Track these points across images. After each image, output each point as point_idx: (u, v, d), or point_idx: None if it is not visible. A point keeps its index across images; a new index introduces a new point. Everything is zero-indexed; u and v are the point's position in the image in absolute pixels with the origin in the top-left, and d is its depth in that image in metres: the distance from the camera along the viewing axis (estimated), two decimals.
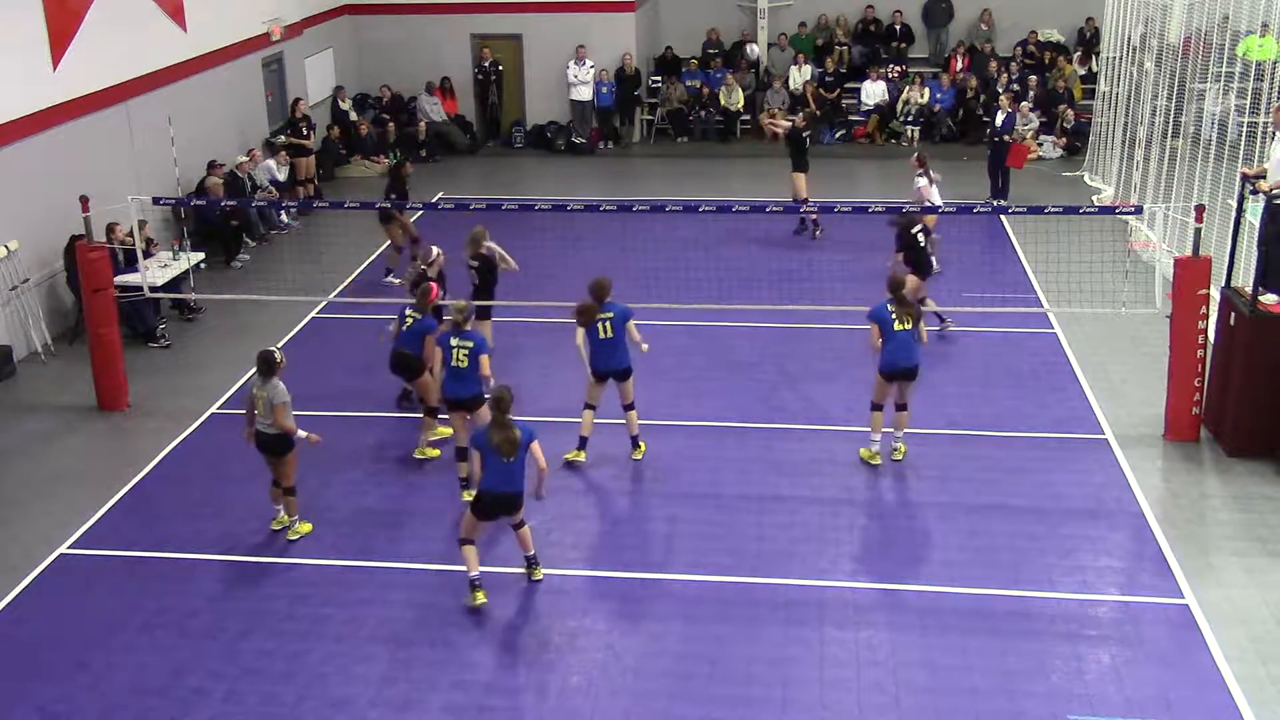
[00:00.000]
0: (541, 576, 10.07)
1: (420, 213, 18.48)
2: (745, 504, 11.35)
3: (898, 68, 25.87)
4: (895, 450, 12.02)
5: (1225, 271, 13.08)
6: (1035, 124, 23.21)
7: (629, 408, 12.08)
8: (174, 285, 15.66)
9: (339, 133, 23.57)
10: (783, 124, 19.47)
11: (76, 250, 13.63)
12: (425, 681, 8.98)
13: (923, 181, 16.95)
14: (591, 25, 25.08)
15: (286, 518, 10.94)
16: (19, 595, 10.15)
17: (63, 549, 10.81)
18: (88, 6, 16.12)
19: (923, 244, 14.48)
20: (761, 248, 18.30)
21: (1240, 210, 12.71)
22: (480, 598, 9.69)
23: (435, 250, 13.83)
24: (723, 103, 25.69)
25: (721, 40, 27.01)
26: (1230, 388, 12.04)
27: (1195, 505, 11.24)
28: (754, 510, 11.23)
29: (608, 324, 11.65)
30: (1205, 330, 12.26)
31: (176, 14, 18.60)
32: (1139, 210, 14.88)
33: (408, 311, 12.19)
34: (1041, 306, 15.65)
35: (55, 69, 15.53)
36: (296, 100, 21.90)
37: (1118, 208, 16.77)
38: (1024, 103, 22.86)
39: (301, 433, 10.48)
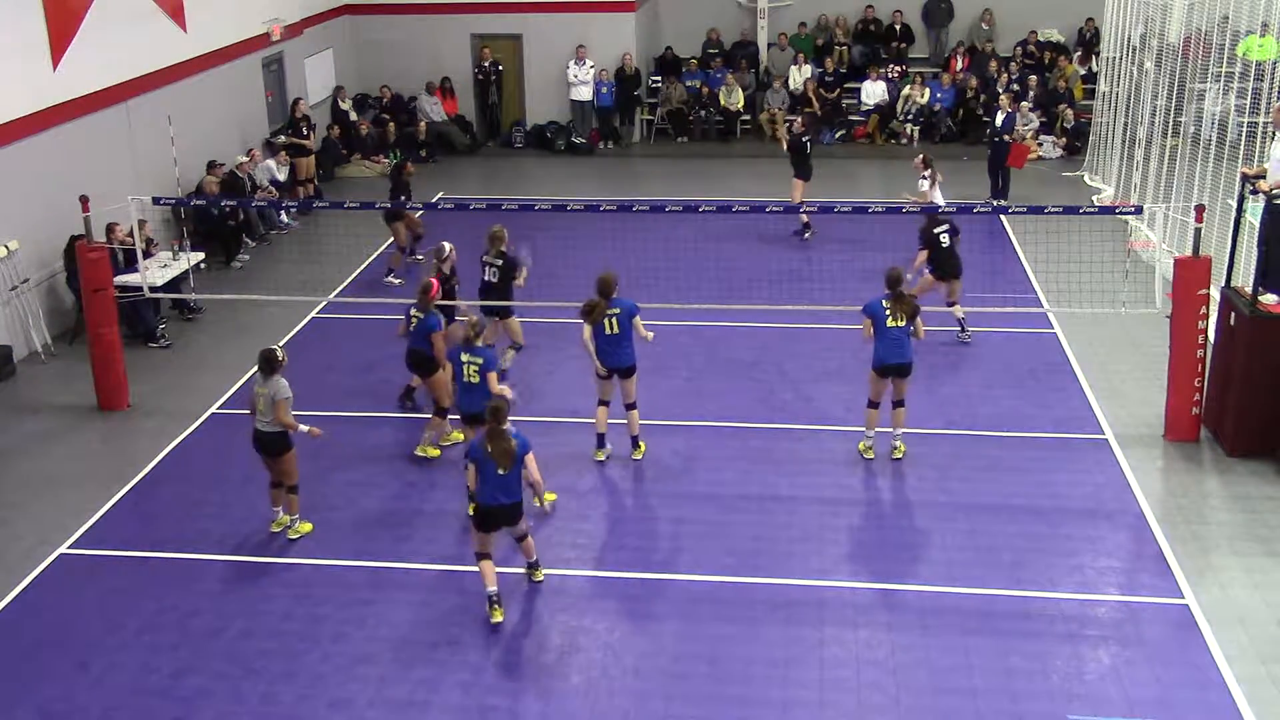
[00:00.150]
0: (543, 578, 10.06)
1: (420, 213, 18.47)
2: (745, 504, 11.35)
3: (898, 68, 25.87)
4: (895, 449, 12.03)
5: (1225, 271, 13.08)
6: (1035, 124, 23.21)
7: (630, 407, 12.08)
8: (174, 285, 15.67)
9: (339, 133, 23.57)
10: (783, 136, 19.44)
11: (76, 250, 13.63)
12: (425, 681, 8.98)
13: (924, 185, 16.97)
14: (591, 25, 25.08)
15: (287, 518, 10.94)
16: (19, 595, 10.16)
17: (63, 549, 10.81)
18: (88, 6, 16.12)
19: (947, 244, 14.50)
20: (761, 248, 18.30)
21: (1240, 210, 12.71)
22: (498, 615, 9.58)
23: (448, 246, 13.85)
24: (723, 103, 25.69)
25: (721, 40, 27.01)
26: (1230, 388, 12.04)
27: (1195, 505, 11.24)
28: (754, 510, 11.23)
29: (614, 320, 11.66)
30: (1205, 330, 12.26)
31: (176, 14, 18.60)
32: (1139, 210, 14.88)
33: (412, 312, 12.21)
34: (1041, 306, 15.65)
35: (55, 69, 15.53)
36: (296, 100, 21.91)
37: (1118, 208, 16.77)
38: (1024, 103, 22.86)
39: (303, 427, 10.48)
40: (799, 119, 19.60)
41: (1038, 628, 9.49)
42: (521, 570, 10.11)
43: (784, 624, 9.56)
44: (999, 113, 20.10)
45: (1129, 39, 20.10)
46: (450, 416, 12.43)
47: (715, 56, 26.68)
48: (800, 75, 25.65)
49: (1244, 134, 17.13)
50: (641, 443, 12.23)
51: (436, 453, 12.30)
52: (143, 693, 8.91)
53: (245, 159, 19.54)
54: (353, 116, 24.23)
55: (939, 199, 16.90)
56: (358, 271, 17.75)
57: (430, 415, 12.43)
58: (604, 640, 9.46)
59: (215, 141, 19.38)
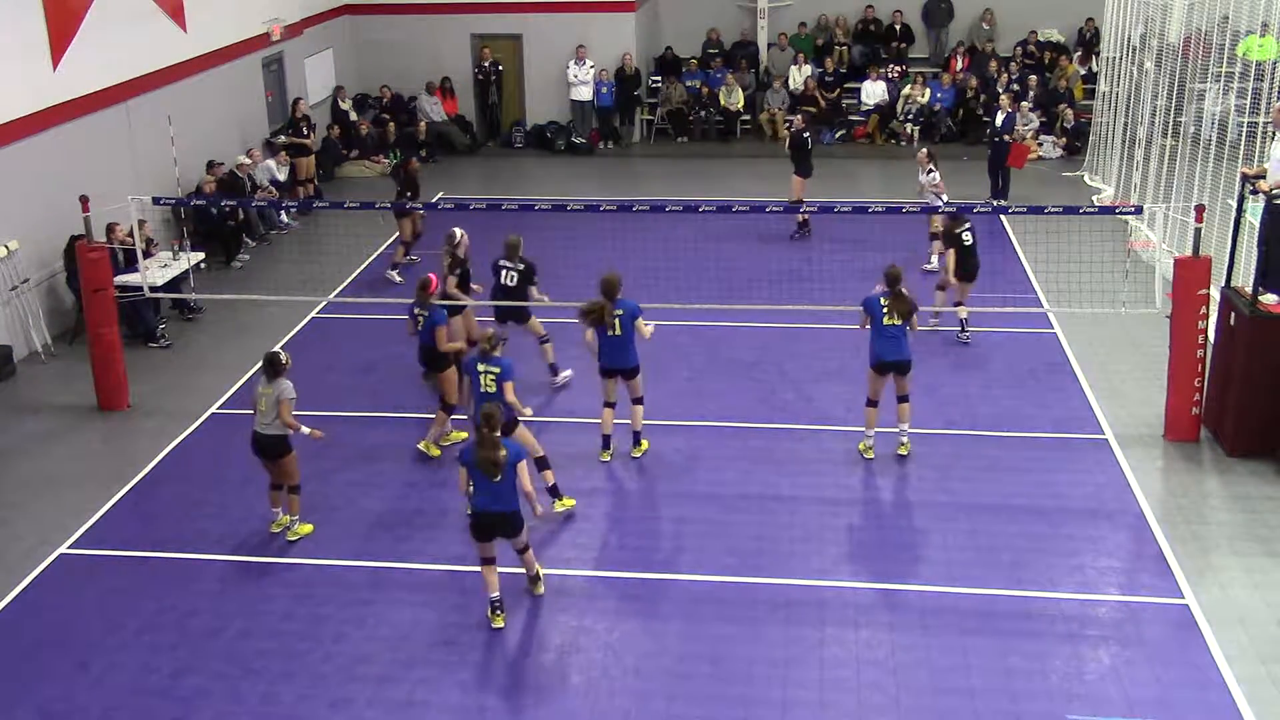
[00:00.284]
0: (543, 591, 9.94)
1: (420, 212, 18.46)
2: (745, 504, 11.35)
3: (898, 68, 25.86)
4: (900, 444, 12.02)
5: (1225, 271, 13.08)
6: (1035, 124, 23.20)
7: (636, 402, 12.13)
8: (174, 285, 15.66)
9: (339, 132, 23.56)
10: (785, 135, 19.44)
11: (76, 250, 13.63)
12: (425, 681, 8.98)
13: (936, 175, 16.99)
14: (591, 25, 25.08)
15: (287, 518, 10.94)
16: (19, 595, 10.16)
17: (63, 549, 10.81)
18: (88, 6, 16.12)
19: (970, 242, 14.52)
20: (761, 248, 18.29)
21: (1240, 210, 12.71)
22: (499, 621, 9.55)
23: (459, 232, 13.90)
24: (723, 103, 25.69)
25: (721, 40, 27.01)
26: (1230, 388, 12.04)
27: (1195, 505, 11.24)
28: (754, 510, 11.23)
29: (617, 321, 11.69)
30: (1205, 330, 12.26)
31: (176, 14, 18.60)
32: (1139, 210, 14.88)
33: (416, 310, 12.21)
34: (1041, 306, 15.65)
35: (55, 69, 15.53)
36: (296, 100, 21.91)
37: (1118, 208, 16.77)
38: (1024, 103, 22.86)
39: (305, 429, 10.48)
40: (799, 117, 19.60)
41: (1038, 628, 9.49)
42: (519, 570, 10.02)
43: (785, 624, 9.56)
44: (999, 113, 20.09)
45: (1129, 39, 20.09)
46: (455, 417, 12.46)
47: (715, 56, 26.67)
48: (800, 75, 25.65)
49: (1244, 134, 17.13)
50: (644, 440, 12.25)
51: (437, 452, 12.30)
52: (142, 693, 8.91)
53: (247, 160, 19.53)
54: (353, 116, 24.22)
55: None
56: (358, 271, 17.75)
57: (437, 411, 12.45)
58: (604, 640, 9.46)
59: (215, 141, 19.38)
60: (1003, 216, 18.64)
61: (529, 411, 11.35)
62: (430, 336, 12.15)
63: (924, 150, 17.56)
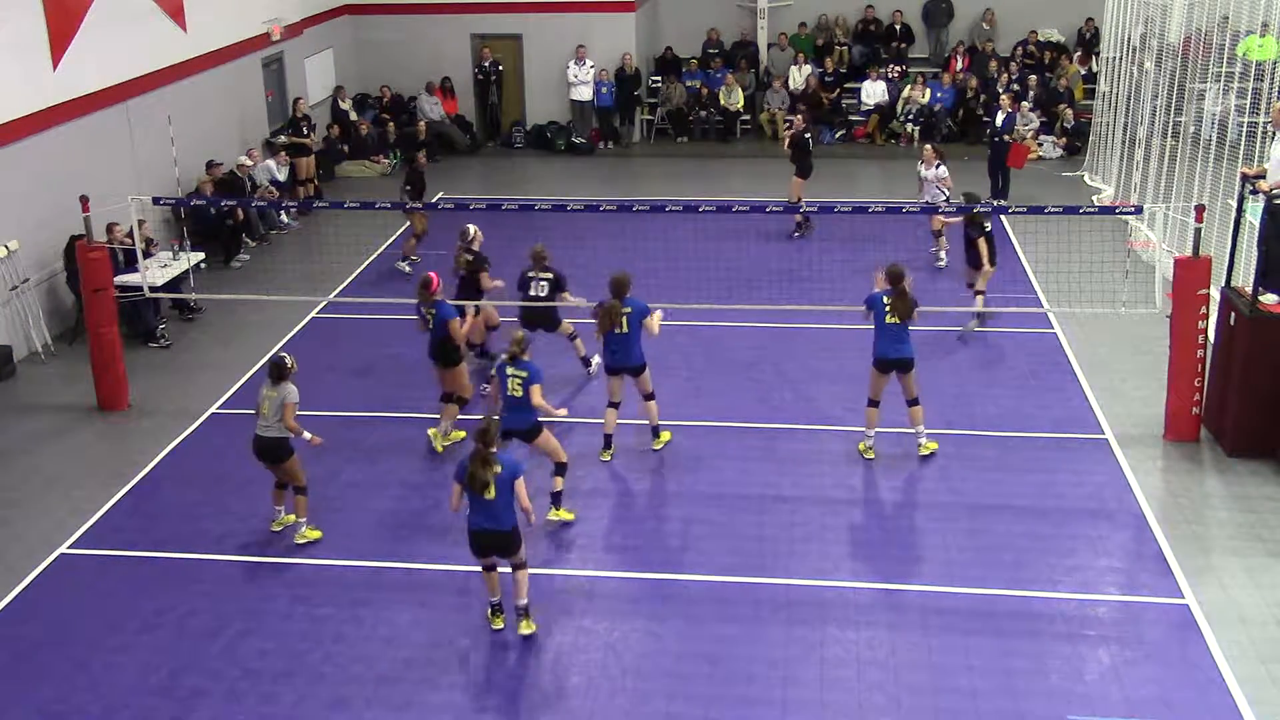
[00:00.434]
0: (532, 631, 9.40)
1: (419, 212, 18.46)
2: (745, 504, 11.35)
3: (898, 68, 25.87)
4: (920, 446, 12.02)
5: (1225, 271, 13.07)
6: (1035, 124, 23.20)
7: (648, 398, 12.18)
8: (174, 285, 15.66)
9: (339, 132, 23.57)
10: (785, 137, 19.38)
11: (76, 250, 13.63)
12: (424, 682, 8.98)
13: (944, 170, 17.02)
14: (591, 25, 25.08)
15: (289, 518, 10.93)
16: (19, 595, 10.16)
17: (63, 549, 10.81)
18: (88, 6, 16.12)
19: (988, 228, 14.71)
20: (761, 248, 18.30)
21: (1240, 210, 12.70)
22: (498, 622, 9.50)
23: (472, 229, 13.94)
24: (723, 103, 25.69)
25: (721, 40, 27.01)
26: (1230, 388, 12.04)
27: (1195, 505, 11.24)
28: (754, 510, 11.23)
29: (624, 320, 11.74)
30: (1205, 330, 12.25)
31: (176, 14, 18.60)
32: (1139, 210, 14.87)
33: (423, 310, 12.21)
34: (1041, 306, 15.65)
35: (55, 69, 15.53)
36: (296, 100, 21.91)
37: (1118, 208, 16.76)
38: (1024, 103, 22.85)
39: (306, 434, 10.48)
40: (798, 118, 19.60)
41: (1038, 628, 9.49)
42: (532, 571, 9.77)
43: (785, 624, 9.56)
44: (999, 113, 20.09)
45: (1129, 39, 20.09)
46: (458, 417, 12.48)
47: (715, 56, 26.67)
48: (800, 75, 25.65)
49: (1244, 134, 17.14)
50: (663, 432, 12.31)
51: (440, 448, 12.29)
52: (142, 692, 8.91)
53: (247, 161, 19.52)
54: (353, 116, 24.22)
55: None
56: (358, 271, 17.75)
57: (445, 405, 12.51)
58: (604, 640, 9.46)
59: (215, 141, 19.38)
60: (1003, 216, 18.64)
61: (562, 412, 11.40)
62: (444, 331, 12.16)
63: (930, 146, 17.57)
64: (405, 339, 14.97)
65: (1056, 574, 10.15)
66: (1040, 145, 23.23)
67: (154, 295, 14.87)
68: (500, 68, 25.42)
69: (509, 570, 9.45)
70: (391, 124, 24.38)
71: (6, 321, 14.62)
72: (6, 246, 14.46)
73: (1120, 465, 11.90)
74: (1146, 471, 11.79)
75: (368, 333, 15.60)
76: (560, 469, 11.03)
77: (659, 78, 26.28)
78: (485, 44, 25.46)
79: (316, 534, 10.83)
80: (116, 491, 11.76)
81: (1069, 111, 24.03)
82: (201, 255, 16.91)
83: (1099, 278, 14.50)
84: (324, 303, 16.29)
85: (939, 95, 25.04)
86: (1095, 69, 23.95)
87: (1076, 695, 8.70)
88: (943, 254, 17.39)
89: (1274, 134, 13.90)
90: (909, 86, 25.13)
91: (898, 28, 26.74)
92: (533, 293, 13.45)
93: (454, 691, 8.87)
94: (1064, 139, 23.71)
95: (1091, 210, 16.85)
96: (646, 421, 12.37)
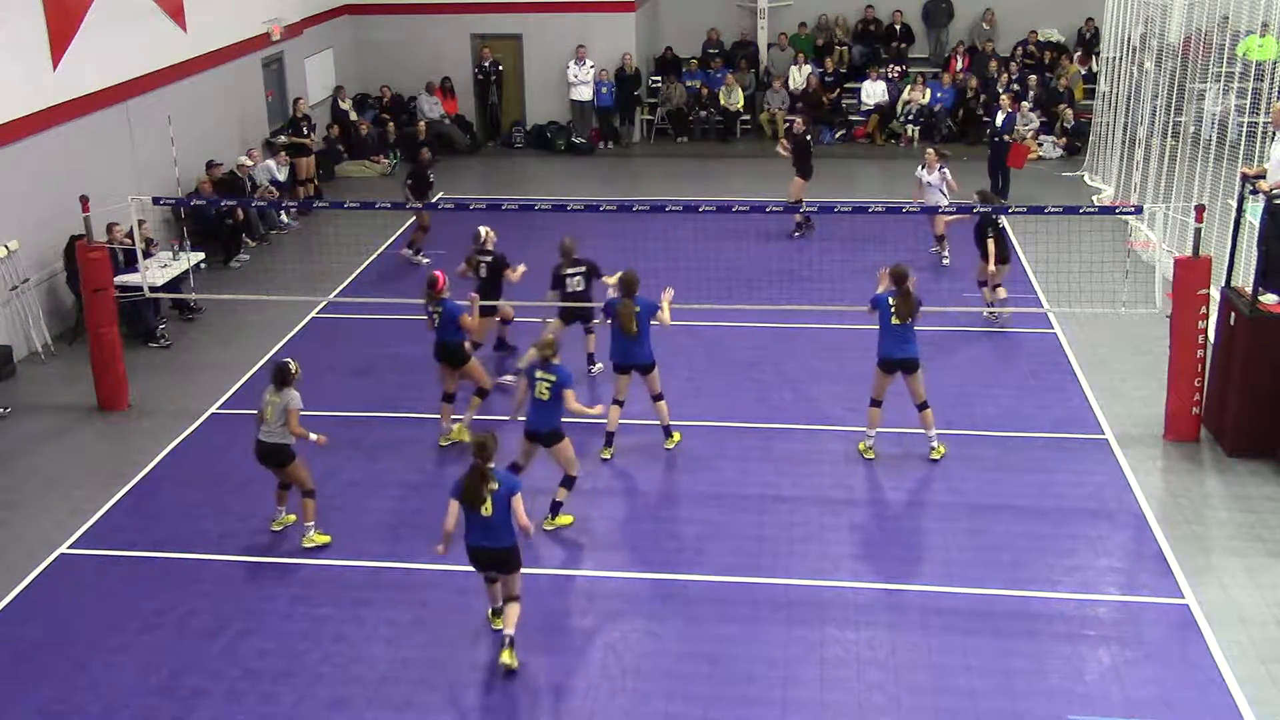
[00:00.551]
0: (515, 666, 8.97)
1: (419, 212, 18.47)
2: (745, 504, 11.35)
3: (898, 68, 25.87)
4: (933, 449, 12.00)
5: (1225, 271, 13.07)
6: (1035, 124, 23.20)
7: (657, 398, 12.20)
8: (174, 285, 15.67)
9: (339, 132, 23.57)
10: (785, 144, 19.31)
11: (76, 250, 13.64)
12: (425, 682, 8.98)
13: (948, 171, 17.05)
14: (591, 25, 25.08)
15: (291, 518, 10.92)
16: (19, 595, 10.16)
17: (63, 549, 10.81)
18: (88, 6, 16.12)
19: (1002, 226, 14.86)
20: (761, 248, 18.30)
21: (1240, 210, 12.70)
22: (499, 623, 9.33)
23: (484, 230, 14.01)
24: (723, 103, 25.69)
25: (721, 40, 27.01)
26: (1230, 388, 12.04)
27: (1195, 505, 11.24)
28: (754, 510, 11.23)
29: (634, 317, 11.83)
30: (1205, 330, 12.25)
31: (176, 14, 18.60)
32: (1139, 210, 14.88)
33: (430, 307, 12.20)
34: (1042, 306, 15.65)
35: (55, 69, 15.53)
36: (297, 100, 21.91)
37: (1118, 208, 16.76)
38: (1024, 103, 22.85)
39: (313, 435, 10.47)
40: (797, 119, 19.60)
41: (1038, 628, 9.49)
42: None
43: (785, 624, 9.56)
44: (999, 113, 20.09)
45: (1129, 39, 20.09)
46: (455, 417, 12.47)
47: (715, 56, 26.67)
48: (800, 75, 25.66)
49: (1244, 134, 17.14)
50: (675, 433, 12.34)
51: (466, 437, 12.38)
52: (142, 692, 8.91)
53: (248, 161, 19.53)
54: (353, 116, 24.23)
55: (942, 198, 16.93)
56: (358, 271, 17.75)
57: (474, 399, 12.60)
58: (604, 640, 9.46)
59: (215, 141, 19.38)
60: (1003, 216, 18.62)
61: (598, 409, 11.42)
62: (453, 330, 12.15)
63: (932, 149, 17.57)
64: (405, 339, 14.99)
65: (1056, 574, 10.15)
66: (1040, 145, 23.23)
67: (154, 295, 14.88)
68: (500, 68, 25.42)
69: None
70: (391, 124, 24.39)
71: (6, 321, 14.62)
72: (6, 246, 14.46)
73: (1120, 465, 11.90)
74: (1146, 471, 11.79)
75: (368, 333, 15.61)
76: (568, 481, 10.94)
77: (659, 78, 26.29)
78: (485, 44, 25.46)
79: (325, 539, 10.76)
80: (116, 491, 11.76)
81: (1069, 111, 24.03)
82: (201, 255, 16.91)
83: (1099, 278, 14.51)
84: (324, 303, 16.29)
85: (939, 95, 25.04)
86: (1095, 69, 23.95)
87: (1076, 695, 8.70)
88: (945, 254, 17.39)
89: (1274, 134, 13.90)
90: (909, 88, 25.13)
91: (898, 28, 26.75)
92: (570, 289, 13.47)
93: (454, 691, 8.87)
94: (1064, 139, 23.71)
95: (1091, 210, 16.85)
96: (646, 421, 12.35)
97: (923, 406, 11.91)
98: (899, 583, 10.11)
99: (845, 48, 26.66)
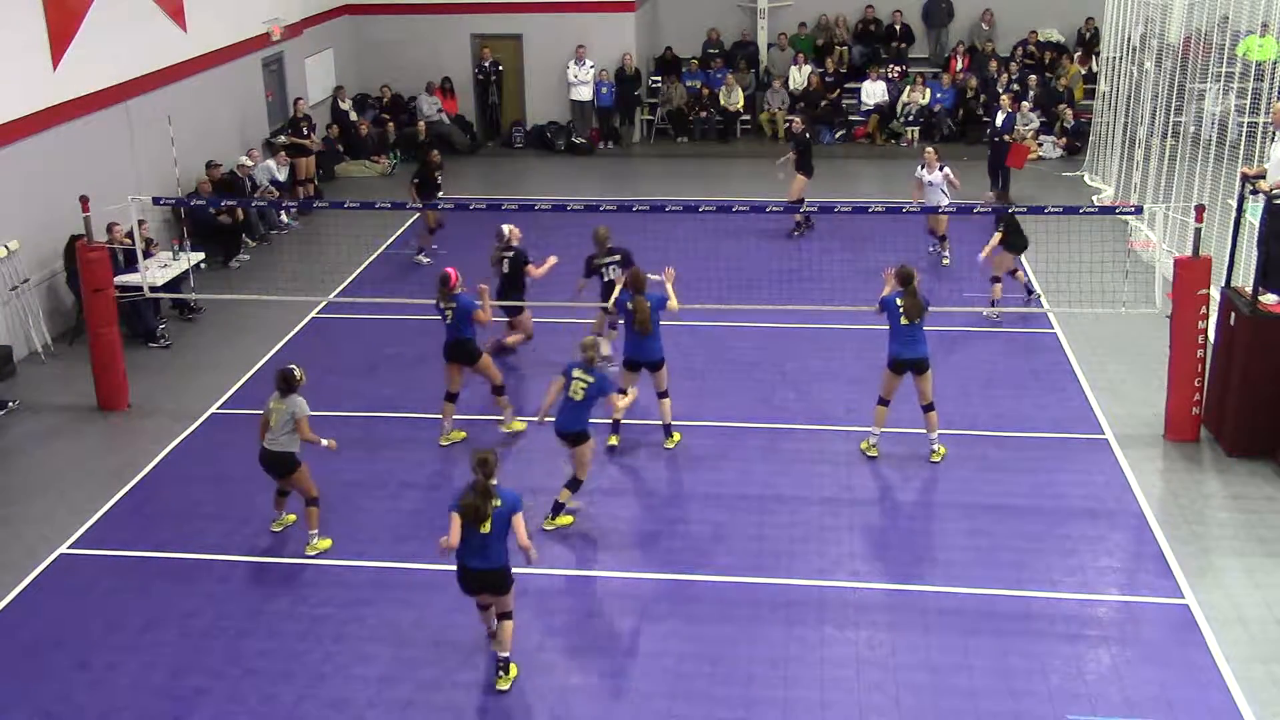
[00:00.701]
0: (508, 687, 8.87)
1: (419, 214, 18.45)
2: (745, 504, 11.35)
3: (898, 68, 25.86)
4: (934, 452, 12.00)
5: (1225, 271, 13.08)
6: (1035, 124, 23.19)
7: (662, 395, 12.25)
8: (174, 285, 15.66)
9: (338, 132, 23.56)
10: (790, 155, 19.21)
11: (76, 250, 13.63)
12: (425, 682, 8.98)
13: (949, 170, 17.06)
14: (591, 25, 25.07)
15: (291, 518, 10.92)
16: (19, 595, 10.16)
17: (63, 549, 10.81)
18: (88, 6, 16.12)
19: (1015, 218, 15.03)
20: (762, 247, 18.30)
21: (1240, 210, 12.71)
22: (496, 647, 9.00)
23: (507, 228, 14.15)
24: (723, 103, 25.69)
25: (721, 40, 27.01)
26: (1230, 388, 12.04)
27: (1195, 505, 11.24)
28: (754, 510, 11.23)
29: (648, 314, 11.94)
30: (1205, 330, 12.26)
31: (176, 14, 18.60)
32: (1139, 210, 14.88)
33: (442, 305, 12.17)
34: (1042, 306, 15.65)
35: (55, 69, 15.53)
36: (296, 100, 21.91)
37: (1118, 208, 16.78)
38: (1024, 103, 22.85)
39: (324, 441, 10.44)
40: (796, 119, 19.60)
41: (1038, 628, 9.49)
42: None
43: (785, 624, 9.56)
44: (999, 113, 20.09)
45: (1129, 39, 20.10)
46: (456, 416, 12.48)
47: (715, 56, 26.67)
48: (800, 75, 25.66)
49: (1244, 134, 17.14)
50: (675, 432, 12.37)
51: (522, 425, 12.50)
52: (142, 692, 8.91)
53: (248, 161, 19.52)
54: (353, 116, 24.22)
55: (942, 198, 16.93)
56: (358, 271, 17.75)
57: (498, 398, 12.68)
58: (604, 640, 9.46)
59: (215, 141, 19.38)
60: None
61: (630, 397, 11.56)
62: (467, 326, 12.14)
63: (931, 149, 17.57)
64: (405, 339, 15.01)
65: (1056, 574, 10.15)
66: (1040, 145, 23.23)
67: (154, 295, 14.88)
68: (500, 68, 25.42)
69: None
70: (391, 124, 24.39)
71: (6, 321, 14.61)
72: (6, 246, 14.45)
73: (1120, 465, 11.90)
74: (1146, 471, 11.79)
75: (368, 333, 15.60)
76: (574, 484, 10.96)
77: (659, 78, 26.28)
78: (485, 44, 25.45)
79: (327, 543, 10.74)
80: (116, 491, 11.76)
81: (1069, 111, 24.03)
82: (201, 255, 16.91)
83: (1099, 278, 14.51)
84: (324, 303, 16.29)
85: (939, 95, 25.03)
86: (1095, 69, 23.94)
87: (1077, 695, 8.71)
88: (946, 254, 17.40)
89: (1274, 134, 13.91)
90: (909, 88, 25.12)
91: (898, 28, 26.74)
92: (607, 279, 13.55)
93: (454, 691, 8.87)
94: (1064, 139, 23.70)
95: (1091, 210, 16.86)
96: (648, 421, 12.36)
97: (928, 408, 11.90)
98: (899, 583, 10.11)
99: (845, 48, 26.66)
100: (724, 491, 11.59)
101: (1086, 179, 21.70)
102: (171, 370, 14.62)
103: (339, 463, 12.01)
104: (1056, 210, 13.93)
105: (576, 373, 10.76)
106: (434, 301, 12.37)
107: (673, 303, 12.25)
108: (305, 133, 21.31)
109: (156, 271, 15.35)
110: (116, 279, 13.96)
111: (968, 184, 19.98)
